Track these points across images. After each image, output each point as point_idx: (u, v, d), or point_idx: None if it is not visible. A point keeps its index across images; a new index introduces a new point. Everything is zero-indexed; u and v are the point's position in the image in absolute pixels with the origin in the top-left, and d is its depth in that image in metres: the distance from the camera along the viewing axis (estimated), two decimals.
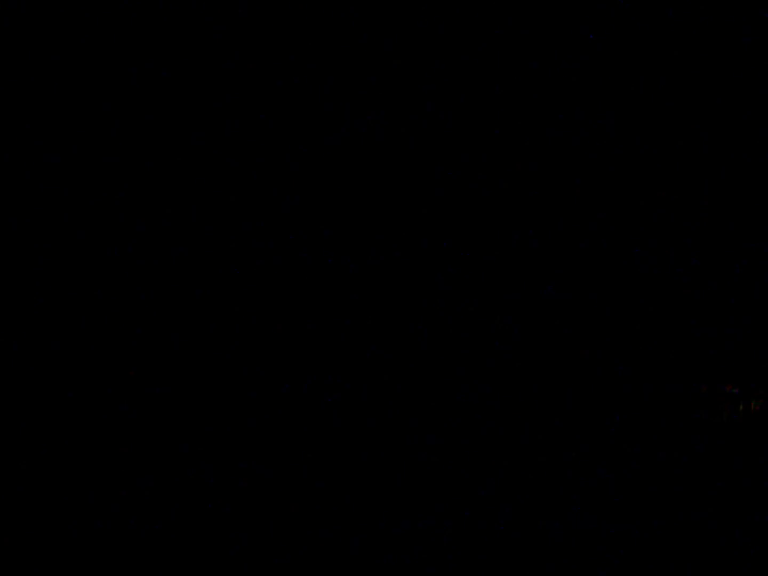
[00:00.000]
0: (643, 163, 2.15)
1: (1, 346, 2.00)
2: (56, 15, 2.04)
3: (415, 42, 2.12)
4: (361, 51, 2.12)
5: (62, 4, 2.04)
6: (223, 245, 2.09)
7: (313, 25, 2.11)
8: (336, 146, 2.13)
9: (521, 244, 2.15)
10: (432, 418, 2.09)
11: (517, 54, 2.13)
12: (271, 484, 2.02)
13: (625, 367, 2.12)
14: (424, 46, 2.12)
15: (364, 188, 2.13)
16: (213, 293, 2.08)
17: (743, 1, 2.09)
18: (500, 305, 2.13)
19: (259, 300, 2.09)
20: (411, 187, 2.14)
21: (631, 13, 2.11)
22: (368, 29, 2.11)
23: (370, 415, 2.08)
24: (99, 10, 2.05)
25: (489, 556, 1.97)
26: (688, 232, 2.13)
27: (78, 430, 2.00)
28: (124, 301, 2.05)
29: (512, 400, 2.10)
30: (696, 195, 2.13)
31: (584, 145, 2.15)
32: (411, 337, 2.11)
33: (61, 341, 2.02)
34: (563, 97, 2.14)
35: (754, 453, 2.06)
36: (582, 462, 2.08)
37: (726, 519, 1.98)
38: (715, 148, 2.13)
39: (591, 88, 2.14)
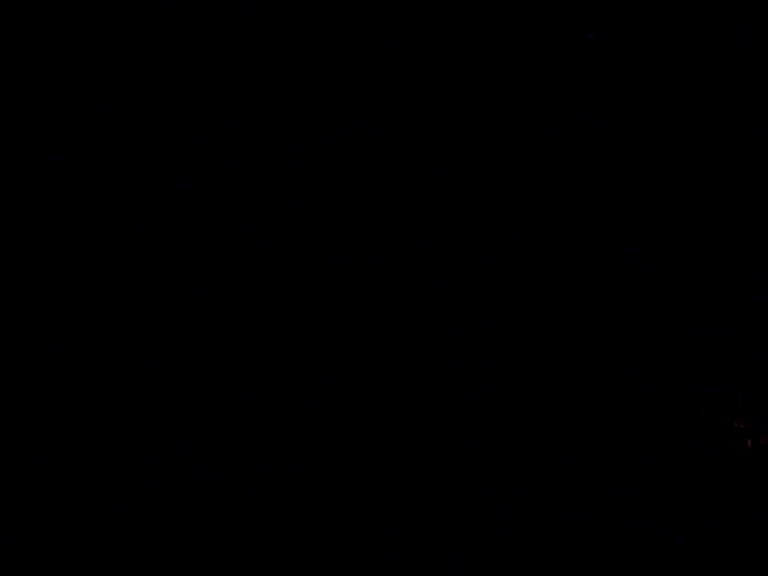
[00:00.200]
0: (643, 163, 2.15)
1: (1, 346, 2.00)
2: (56, 15, 2.04)
3: (415, 42, 2.12)
4: (361, 51, 2.11)
5: (62, 4, 2.04)
6: (223, 245, 2.09)
7: (313, 25, 2.11)
8: (336, 146, 2.13)
9: (521, 244, 2.15)
10: (432, 418, 2.09)
11: (517, 54, 2.13)
12: (271, 484, 2.02)
13: (626, 368, 2.12)
14: (424, 46, 2.12)
15: (364, 188, 2.13)
16: (213, 293, 2.08)
17: (743, 1, 2.09)
18: (500, 305, 2.13)
19: (259, 300, 2.09)
20: (411, 187, 2.14)
21: (631, 13, 2.11)
22: (368, 29, 2.11)
23: (370, 415, 2.08)
24: (99, 10, 2.05)
25: (489, 556, 1.97)
26: (688, 232, 2.13)
27: (78, 430, 2.00)
28: (124, 301, 2.05)
29: (512, 400, 2.10)
30: (696, 195, 2.13)
31: (584, 145, 2.15)
32: (411, 337, 2.11)
33: (61, 341, 2.02)
34: (563, 97, 2.14)
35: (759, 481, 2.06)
36: (582, 462, 2.07)
37: (726, 520, 1.98)
38: (715, 148, 2.13)
39: (591, 88, 2.14)
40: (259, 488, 2.01)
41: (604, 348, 2.12)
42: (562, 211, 2.15)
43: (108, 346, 2.03)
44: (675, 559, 1.94)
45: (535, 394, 2.11)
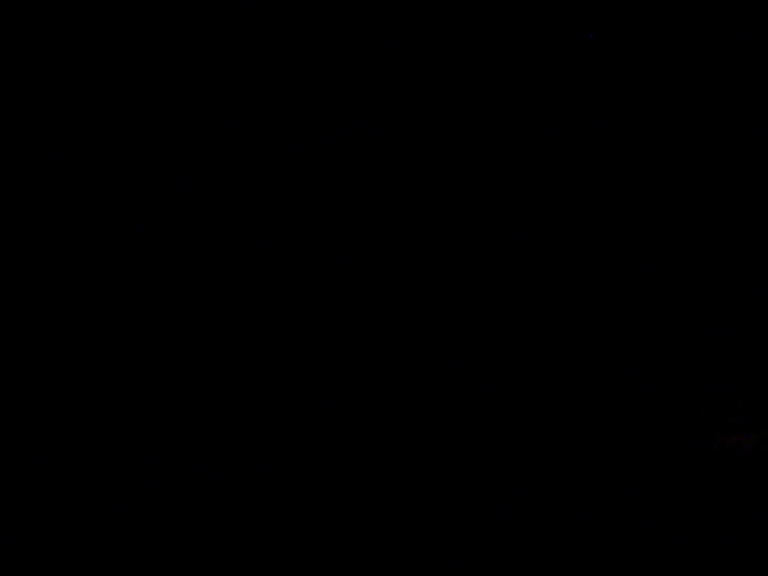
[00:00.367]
0: (643, 163, 2.15)
1: (1, 346, 2.00)
2: (56, 15, 2.04)
3: (415, 42, 2.12)
4: (361, 51, 2.12)
5: (62, 4, 2.04)
6: (223, 245, 2.09)
7: (313, 25, 2.11)
8: (336, 146, 2.13)
9: (521, 244, 2.15)
10: (432, 418, 2.09)
11: (517, 54, 2.13)
12: (271, 484, 2.02)
13: (626, 368, 2.12)
14: (424, 46, 2.12)
15: (364, 188, 2.13)
16: (213, 293, 2.08)
17: (743, 1, 2.09)
18: (500, 305, 2.13)
19: (259, 300, 2.09)
20: (411, 187, 2.14)
21: (631, 13, 2.11)
22: (368, 29, 2.11)
23: (370, 415, 2.08)
24: (99, 10, 2.05)
25: (489, 556, 1.97)
26: (688, 232, 2.13)
27: (78, 430, 2.00)
28: (124, 301, 2.05)
29: (512, 400, 2.10)
30: (696, 195, 2.13)
31: (584, 145, 2.15)
32: (411, 337, 2.11)
33: (61, 341, 2.02)
34: (563, 97, 2.14)
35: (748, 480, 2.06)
36: (582, 462, 2.07)
37: (726, 520, 1.98)
38: (715, 148, 2.13)
39: (591, 88, 2.14)
40: (259, 488, 2.01)
41: (604, 348, 2.12)
42: (562, 211, 2.15)
43: (108, 346, 2.03)
44: (675, 559, 1.94)
45: (535, 394, 2.11)
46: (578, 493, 2.05)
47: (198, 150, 2.10)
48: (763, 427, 2.06)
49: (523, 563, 1.96)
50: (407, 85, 2.13)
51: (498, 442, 2.08)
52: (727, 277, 2.12)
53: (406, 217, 2.13)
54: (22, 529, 1.93)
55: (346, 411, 2.07)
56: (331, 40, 2.11)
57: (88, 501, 1.96)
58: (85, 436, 1.99)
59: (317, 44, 2.11)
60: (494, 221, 2.15)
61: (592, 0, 2.11)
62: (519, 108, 2.14)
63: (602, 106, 2.14)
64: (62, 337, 2.02)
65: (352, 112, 2.13)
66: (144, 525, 1.95)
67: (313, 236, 2.12)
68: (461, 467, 2.06)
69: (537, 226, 2.15)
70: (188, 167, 2.10)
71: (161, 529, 1.95)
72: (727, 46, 2.11)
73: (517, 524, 2.00)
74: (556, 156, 2.15)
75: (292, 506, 2.00)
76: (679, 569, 1.93)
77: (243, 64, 2.10)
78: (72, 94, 2.06)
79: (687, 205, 2.14)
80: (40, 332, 2.01)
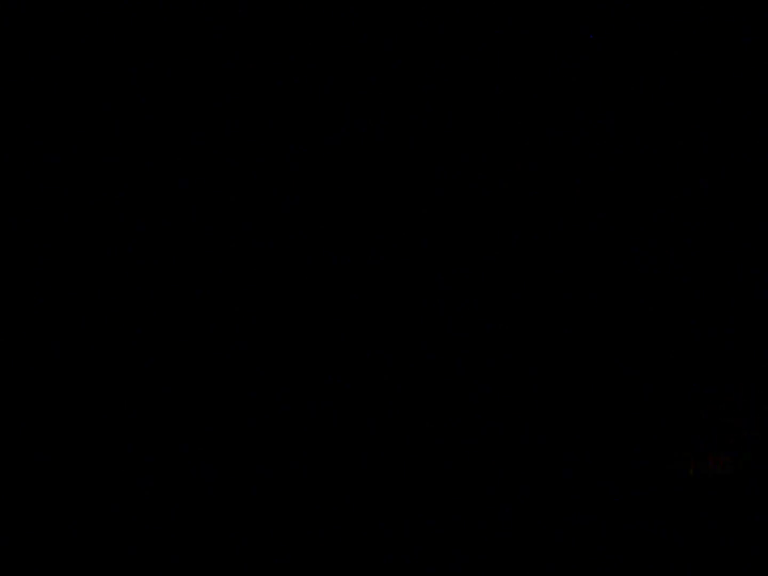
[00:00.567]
0: (643, 163, 2.15)
1: (1, 346, 2.00)
2: (56, 15, 2.04)
3: (415, 42, 2.12)
4: (361, 51, 2.11)
5: (62, 4, 2.04)
6: (223, 245, 2.09)
7: (313, 25, 2.11)
8: (336, 146, 2.13)
9: (521, 244, 2.15)
10: (432, 418, 2.09)
11: (517, 54, 2.13)
12: (271, 484, 2.02)
13: (626, 368, 2.12)
14: (424, 46, 2.12)
15: (364, 188, 2.13)
16: (213, 293, 2.08)
17: (743, 1, 2.09)
18: (500, 305, 2.13)
19: (259, 300, 2.09)
20: (411, 187, 2.14)
21: (631, 13, 2.11)
22: (368, 29, 2.11)
23: (370, 415, 2.08)
24: (99, 10, 2.05)
25: (489, 556, 1.97)
26: (688, 232, 2.13)
27: (78, 430, 2.00)
28: (124, 301, 2.05)
29: (512, 400, 2.10)
30: (696, 195, 2.13)
31: (584, 145, 2.15)
32: (411, 337, 2.11)
33: (61, 341, 2.02)
34: (563, 97, 2.14)
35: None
36: (582, 462, 2.07)
37: (726, 520, 1.98)
38: (715, 148, 2.13)
39: (591, 88, 2.14)
40: (259, 488, 2.01)
41: (604, 348, 2.12)
42: (562, 211, 2.15)
43: (108, 346, 2.03)
44: (675, 559, 1.94)
45: (535, 394, 2.11)
46: (578, 493, 2.05)
47: (198, 150, 2.10)
48: (763, 427, 2.06)
49: (523, 563, 1.96)
50: (407, 85, 2.13)
51: (498, 442, 2.08)
52: (727, 277, 2.12)
53: (406, 217, 2.13)
54: (22, 529, 1.93)
55: (346, 411, 2.07)
56: (331, 40, 2.11)
57: (88, 501, 1.96)
58: (85, 436, 1.99)
59: (317, 44, 2.11)
60: (494, 221, 2.15)
61: (592, 0, 2.11)
62: (519, 108, 2.14)
63: (602, 106, 2.14)
64: (62, 337, 2.02)
65: (352, 112, 2.13)
66: (144, 525, 1.95)
67: (313, 236, 2.12)
68: (461, 467, 2.06)
69: (537, 226, 2.15)
70: (188, 167, 2.10)
71: (161, 529, 1.95)
72: (727, 46, 2.11)
73: (517, 524, 2.00)
74: (556, 156, 2.15)
75: (292, 506, 2.00)
76: (678, 569, 1.93)
77: (243, 64, 2.10)
78: (72, 94, 2.06)
79: (687, 205, 2.14)
80: (40, 332, 2.01)
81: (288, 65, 2.11)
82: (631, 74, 2.13)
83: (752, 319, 2.10)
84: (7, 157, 2.04)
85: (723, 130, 2.13)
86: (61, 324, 2.02)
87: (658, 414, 2.10)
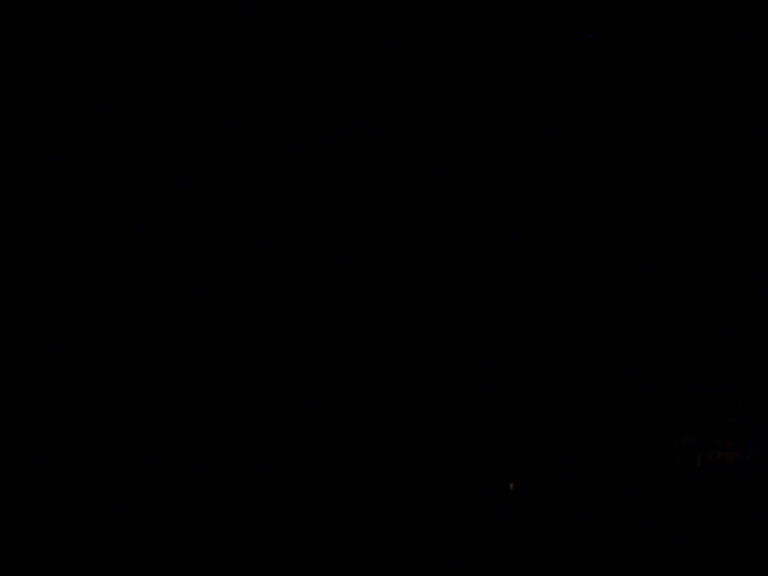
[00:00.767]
0: (643, 163, 2.15)
1: (1, 346, 2.00)
2: (56, 15, 2.04)
3: (415, 42, 2.12)
4: (361, 51, 2.11)
5: (62, 4, 2.04)
6: (223, 245, 2.09)
7: (313, 25, 2.11)
8: (336, 146, 2.13)
9: (521, 244, 2.15)
10: (432, 419, 2.09)
11: (517, 54, 2.13)
12: (271, 484, 2.02)
13: (626, 368, 2.12)
14: (424, 46, 2.12)
15: (364, 188, 2.13)
16: (213, 293, 2.08)
17: (743, 1, 2.09)
18: (500, 305, 2.13)
19: (259, 300, 2.09)
20: (411, 187, 2.14)
21: (631, 13, 2.11)
22: (368, 29, 2.11)
23: (370, 415, 2.08)
24: (99, 10, 2.05)
25: (489, 556, 1.97)
26: (688, 232, 2.13)
27: (78, 430, 2.00)
28: (124, 301, 2.05)
29: (512, 400, 2.10)
30: (696, 195, 2.13)
31: (584, 145, 2.15)
32: (411, 337, 2.11)
33: (61, 341, 2.02)
34: (563, 97, 2.14)
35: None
36: (582, 462, 2.07)
37: (726, 520, 1.98)
38: (715, 148, 2.13)
39: (591, 88, 2.14)
40: (259, 488, 2.01)
41: (604, 348, 2.12)
42: (562, 211, 2.15)
43: (108, 346, 2.03)
44: (675, 559, 1.94)
45: (535, 394, 2.11)
46: (578, 493, 2.05)
47: (198, 150, 2.10)
48: (763, 427, 2.06)
49: (523, 563, 1.96)
50: (407, 85, 2.13)
51: (498, 442, 2.08)
52: (727, 277, 2.12)
53: (406, 217, 2.13)
54: (22, 529, 1.93)
55: (346, 411, 2.07)
56: (331, 40, 2.11)
57: (88, 501, 1.96)
58: (85, 436, 1.99)
59: (317, 44, 2.11)
60: (494, 221, 2.15)
61: (592, 0, 2.11)
62: (519, 108, 2.14)
63: (602, 106, 2.14)
64: (62, 337, 2.02)
65: (352, 112, 2.13)
66: (144, 525, 1.95)
67: (313, 236, 2.12)
68: (461, 467, 2.06)
69: (537, 226, 2.15)
70: (188, 167, 2.10)
71: (161, 529, 1.95)
72: (727, 46, 2.11)
73: (517, 524, 2.00)
74: (556, 156, 2.15)
75: (292, 506, 2.00)
76: (678, 569, 1.93)
77: (243, 64, 2.10)
78: (72, 94, 2.06)
79: (687, 205, 2.14)
80: (40, 332, 2.01)
81: (288, 65, 2.11)
82: (631, 74, 2.13)
83: (752, 319, 2.10)
84: (7, 157, 2.04)
85: (723, 130, 2.13)
86: (61, 324, 2.02)
87: (658, 414, 2.10)
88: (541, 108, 2.14)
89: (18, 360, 2.00)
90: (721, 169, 2.13)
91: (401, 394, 2.09)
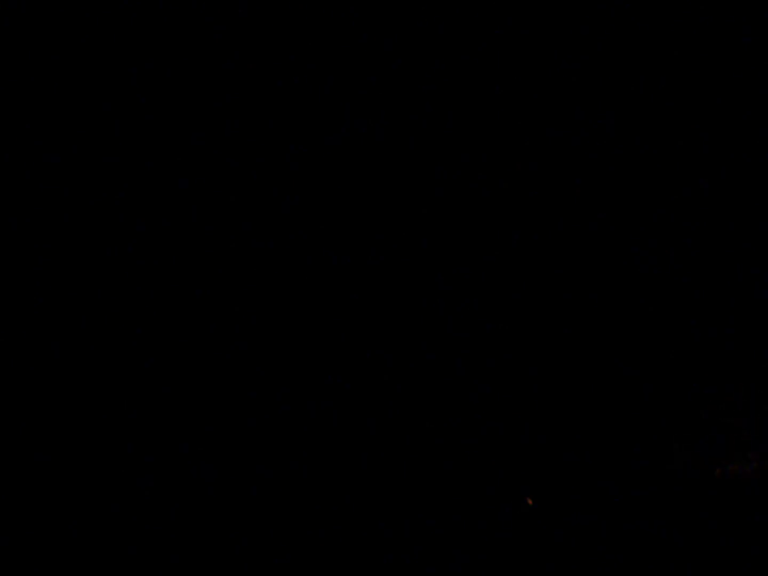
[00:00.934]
0: (643, 163, 2.15)
1: (1, 346, 2.00)
2: (56, 15, 2.04)
3: (415, 42, 2.12)
4: (361, 51, 2.12)
5: (62, 4, 2.04)
6: (223, 245, 2.09)
7: (313, 25, 2.11)
8: (336, 146, 2.13)
9: (521, 244, 2.15)
10: (432, 419, 2.09)
11: (517, 54, 2.13)
12: (271, 484, 2.02)
13: (626, 368, 2.12)
14: (424, 46, 2.12)
15: (364, 188, 2.13)
16: (213, 293, 2.08)
17: (743, 1, 2.09)
18: (500, 305, 2.13)
19: (259, 300, 2.09)
20: (411, 187, 2.14)
21: (631, 13, 2.11)
22: (368, 29, 2.11)
23: (370, 415, 2.08)
24: (99, 10, 2.05)
25: (489, 556, 1.97)
26: (688, 232, 2.13)
27: (78, 430, 2.00)
28: (124, 301, 2.05)
29: (512, 400, 2.10)
30: (696, 195, 2.13)
31: (584, 145, 2.15)
32: (411, 337, 2.11)
33: (61, 341, 2.02)
34: (563, 97, 2.14)
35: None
36: (582, 462, 2.07)
37: (726, 520, 1.98)
38: (715, 148, 2.13)
39: (591, 88, 2.14)
40: (259, 488, 2.01)
41: (604, 348, 2.12)
42: (562, 211, 2.15)
43: (108, 346, 2.03)
44: (675, 559, 1.94)
45: (535, 394, 2.11)
46: (578, 493, 2.05)
47: (198, 150, 2.10)
48: (763, 427, 2.06)
49: (523, 563, 1.96)
50: (407, 85, 2.13)
51: (498, 442, 2.08)
52: (727, 277, 2.12)
53: (406, 217, 2.13)
54: (22, 529, 1.93)
55: (346, 411, 2.07)
56: (331, 40, 2.11)
57: (88, 501, 1.96)
58: (85, 436, 1.99)
59: (317, 44, 2.11)
60: (494, 221, 2.15)
61: (592, 0, 2.11)
62: (519, 108, 2.15)
63: (602, 106, 2.14)
64: (62, 337, 2.02)
65: (352, 112, 2.13)
66: (144, 525, 1.95)
67: (313, 236, 2.12)
68: (461, 467, 2.06)
69: (537, 226, 2.15)
70: (188, 167, 2.10)
71: (161, 529, 1.95)
72: (727, 46, 2.11)
73: (517, 524, 2.00)
74: (556, 156, 2.15)
75: (292, 506, 2.00)
76: (678, 569, 1.93)
77: (243, 64, 2.10)
78: (72, 94, 2.06)
79: (687, 205, 2.14)
80: (40, 332, 2.01)
81: (288, 65, 2.11)
82: (631, 74, 2.13)
83: (752, 319, 2.10)
84: (7, 157, 2.04)
85: (723, 130, 2.13)
86: (61, 324, 2.02)
87: (658, 414, 2.10)
88: (541, 108, 2.14)
89: (18, 360, 2.00)
90: (721, 169, 2.13)
91: (401, 394, 2.09)
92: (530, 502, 1.86)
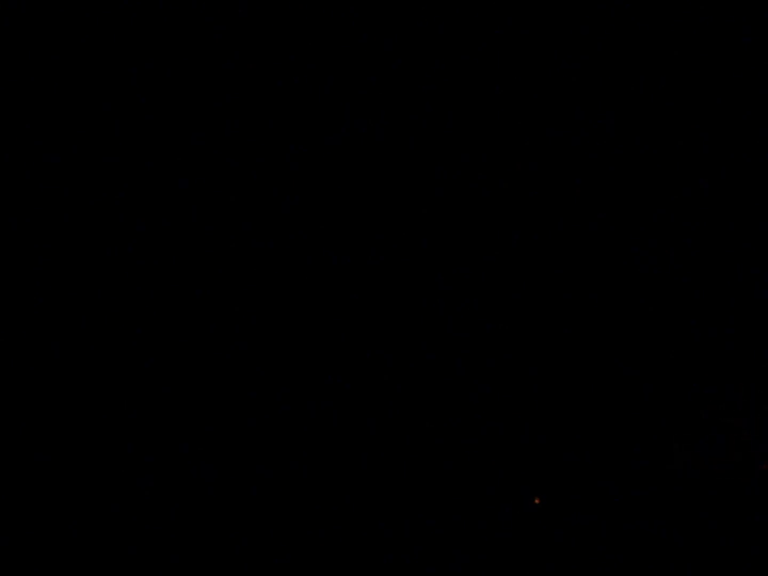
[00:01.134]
0: (643, 163, 2.15)
1: (1, 346, 2.00)
2: (56, 15, 2.04)
3: (415, 42, 2.12)
4: (361, 51, 2.11)
5: (62, 4, 2.04)
6: (223, 245, 2.09)
7: (313, 24, 2.11)
8: (336, 146, 2.13)
9: (521, 244, 2.15)
10: (432, 419, 2.09)
11: (517, 54, 2.13)
12: (271, 484, 2.02)
13: (626, 368, 2.12)
14: (424, 46, 2.12)
15: (364, 188, 2.13)
16: (213, 293, 2.08)
17: (743, 1, 2.09)
18: (500, 305, 2.13)
19: (259, 300, 2.09)
20: (411, 187, 2.14)
21: (631, 13, 2.11)
22: (368, 29, 2.11)
23: (370, 415, 2.08)
24: (99, 10, 2.05)
25: (489, 556, 1.97)
26: (688, 232, 2.13)
27: (78, 430, 2.00)
28: (124, 301, 2.05)
29: (512, 400, 2.10)
30: (696, 195, 2.13)
31: (584, 145, 2.15)
32: (411, 337, 2.11)
33: (61, 341, 2.02)
34: (563, 97, 2.14)
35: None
36: (582, 462, 2.07)
37: (726, 520, 1.98)
38: (715, 148, 2.13)
39: (591, 88, 2.14)
40: (259, 488, 2.01)
41: (604, 348, 2.12)
42: (562, 211, 2.15)
43: (108, 346, 2.03)
44: (675, 559, 1.94)
45: (535, 394, 2.11)
46: (578, 493, 2.05)
47: (198, 150, 2.10)
48: (763, 427, 2.06)
49: (523, 563, 1.96)
50: (407, 85, 2.13)
51: (498, 442, 2.08)
52: (727, 277, 2.12)
53: (406, 217, 2.13)
54: (22, 529, 1.93)
55: (346, 411, 2.07)
56: (331, 40, 2.11)
57: (88, 501, 1.96)
58: (85, 436, 1.99)
59: (317, 44, 2.11)
60: (494, 221, 2.15)
61: (592, 0, 2.11)
62: (519, 108, 2.14)
63: (602, 106, 2.14)
64: (62, 337, 2.02)
65: (352, 112, 2.13)
66: (144, 525, 1.95)
67: (313, 236, 2.12)
68: (461, 467, 2.06)
69: (537, 226, 2.15)
70: (188, 167, 2.10)
71: (161, 529, 1.95)
72: (727, 46, 2.11)
73: (517, 524, 2.00)
74: (556, 156, 2.15)
75: (292, 506, 2.00)
76: (678, 569, 1.93)
77: (243, 64, 2.10)
78: (72, 94, 2.06)
79: (687, 205, 2.14)
80: (40, 332, 2.01)
81: (288, 65, 2.11)
82: (631, 74, 2.13)
83: (752, 319, 2.10)
84: (7, 157, 2.04)
85: (723, 130, 2.13)
86: (61, 324, 2.02)
87: (658, 414, 2.10)
88: (541, 108, 2.14)
89: (18, 360, 2.00)
90: (721, 169, 2.13)
91: (401, 394, 2.09)
92: (537, 501, 1.86)
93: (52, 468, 1.97)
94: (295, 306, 2.10)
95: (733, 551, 1.93)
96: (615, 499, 2.02)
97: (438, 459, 2.06)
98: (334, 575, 1.95)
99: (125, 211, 2.07)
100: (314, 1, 2.10)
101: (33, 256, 2.03)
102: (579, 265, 2.14)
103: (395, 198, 2.13)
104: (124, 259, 2.06)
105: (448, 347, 2.11)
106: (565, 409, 2.10)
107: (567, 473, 2.06)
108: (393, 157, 2.14)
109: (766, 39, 2.10)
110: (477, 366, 2.11)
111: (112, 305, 2.05)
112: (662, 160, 2.14)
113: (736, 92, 2.12)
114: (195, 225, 2.09)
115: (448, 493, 2.03)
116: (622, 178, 2.15)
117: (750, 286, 2.11)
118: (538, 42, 2.12)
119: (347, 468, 2.04)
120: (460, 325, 2.12)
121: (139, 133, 2.08)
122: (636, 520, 1.99)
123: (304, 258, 2.11)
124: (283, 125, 2.12)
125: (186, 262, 2.08)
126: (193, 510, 1.98)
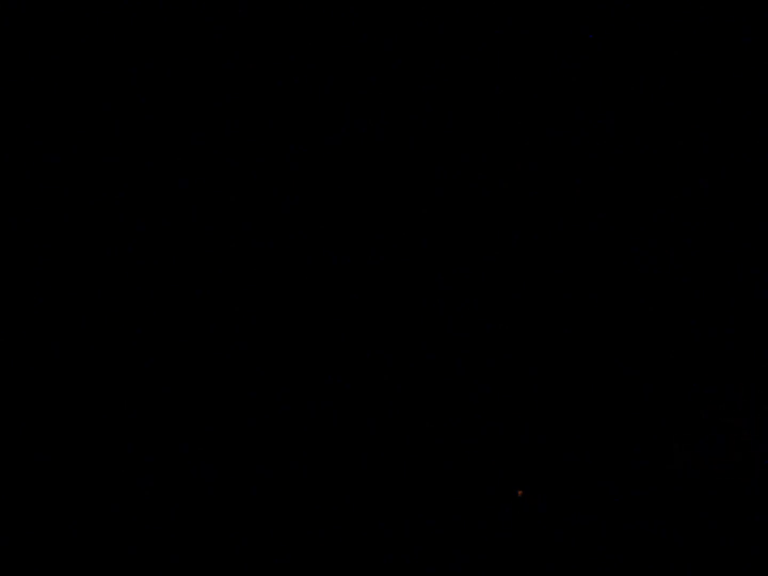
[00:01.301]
0: (643, 163, 2.15)
1: (1, 346, 2.00)
2: (56, 15, 2.04)
3: (415, 42, 2.12)
4: (361, 51, 2.12)
5: (62, 4, 2.04)
6: (223, 245, 2.09)
7: (313, 25, 2.11)
8: (336, 146, 2.13)
9: (521, 244, 2.15)
10: (432, 418, 2.09)
11: (517, 54, 2.13)
12: (271, 484, 2.02)
13: (626, 368, 2.12)
14: (424, 46, 2.12)
15: (364, 188, 2.13)
16: (213, 293, 2.08)
17: (743, 1, 2.09)
18: (500, 305, 2.13)
19: (259, 300, 2.09)
20: (411, 187, 2.14)
21: (631, 13, 2.11)
22: (368, 29, 2.11)
23: (370, 415, 2.08)
24: (99, 10, 2.05)
25: (489, 556, 1.97)
26: (688, 232, 2.13)
27: (78, 430, 2.00)
28: (124, 301, 2.05)
29: (512, 400, 2.10)
30: (696, 195, 2.13)
31: (584, 145, 2.15)
32: (411, 337, 2.11)
33: (61, 341, 2.02)
34: (563, 97, 2.14)
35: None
36: (582, 462, 2.08)
37: (726, 520, 1.98)
38: (715, 148, 2.13)
39: (591, 88, 2.14)
40: (259, 488, 2.01)
41: (604, 348, 2.12)
42: (562, 211, 2.15)
43: (108, 346, 2.03)
44: (675, 559, 1.94)
45: (535, 394, 2.11)
46: (578, 493, 2.05)
47: (198, 150, 2.10)
48: (763, 427, 2.06)
49: (523, 563, 1.96)
50: (407, 85, 2.13)
51: (498, 442, 2.08)
52: (727, 277, 2.12)
53: (406, 217, 2.14)
54: (23, 529, 1.93)
55: (346, 411, 2.07)
56: (331, 40, 2.11)
57: (88, 501, 1.96)
58: (85, 436, 1.99)
59: (317, 44, 2.11)
60: (494, 221, 2.15)
61: (592, 0, 2.11)
62: (519, 108, 2.15)
63: (602, 106, 2.14)
64: (62, 337, 2.02)
65: (352, 112, 2.13)
66: (144, 525, 1.95)
67: (313, 236, 2.12)
68: (461, 467, 2.06)
69: (537, 226, 2.15)
70: (188, 167, 2.10)
71: (161, 529, 1.95)
72: (727, 46, 2.11)
73: (517, 524, 2.01)
74: (556, 156, 2.15)
75: (292, 506, 2.00)
76: (679, 569, 1.93)
77: (243, 64, 2.10)
78: (72, 94, 2.06)
79: (687, 205, 2.14)
80: (40, 332, 2.01)
81: (288, 65, 2.11)
82: (631, 74, 2.13)
83: (752, 319, 2.10)
84: (7, 157, 2.04)
85: (723, 130, 2.13)
86: (61, 324, 2.02)
87: (658, 414, 2.10)
88: (541, 108, 2.14)
89: (18, 360, 2.00)
90: (721, 169, 2.13)
91: (401, 394, 2.09)
92: (520, 493, 1.86)
93: (52, 468, 1.97)
94: (295, 306, 2.10)
95: (733, 551, 1.93)
96: (615, 499, 2.02)
97: (438, 459, 2.06)
98: (334, 575, 1.95)
99: (125, 211, 2.07)
100: (314, 1, 2.10)
101: (33, 256, 2.03)
102: (579, 265, 2.14)
103: (395, 198, 2.13)
104: (124, 259, 2.06)
105: (448, 347, 2.11)
106: (565, 409, 2.10)
107: (567, 473, 2.06)
108: (393, 157, 2.14)
109: (766, 39, 2.10)
110: (477, 366, 2.11)
111: (112, 305, 2.05)
112: (662, 160, 2.14)
113: (736, 92, 2.12)
114: (195, 225, 2.09)
115: (448, 493, 2.04)
116: (622, 178, 2.15)
117: (750, 286, 2.11)
118: (538, 42, 2.13)
119: (347, 468, 2.04)
120: (460, 325, 2.12)
121: (139, 133, 2.08)
122: (636, 520, 1.99)
123: (304, 258, 2.11)
124: (283, 125, 2.12)
125: (186, 262, 2.08)
126: (193, 510, 1.98)
